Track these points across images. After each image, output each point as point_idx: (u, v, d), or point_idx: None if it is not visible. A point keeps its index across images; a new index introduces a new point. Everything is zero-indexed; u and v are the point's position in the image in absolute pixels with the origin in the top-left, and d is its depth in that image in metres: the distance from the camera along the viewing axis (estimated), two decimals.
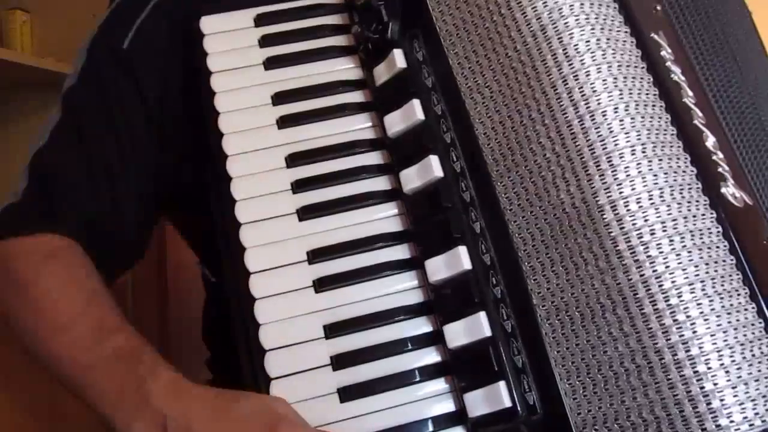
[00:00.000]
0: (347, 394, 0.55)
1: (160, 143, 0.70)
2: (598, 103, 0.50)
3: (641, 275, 0.47)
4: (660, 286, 0.47)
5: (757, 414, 0.44)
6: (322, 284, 0.58)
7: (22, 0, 1.71)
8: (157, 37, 0.69)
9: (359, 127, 0.63)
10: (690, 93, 0.53)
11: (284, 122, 0.63)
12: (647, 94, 0.52)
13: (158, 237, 1.32)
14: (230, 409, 0.53)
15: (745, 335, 0.46)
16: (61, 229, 0.65)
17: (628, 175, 0.49)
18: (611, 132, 0.50)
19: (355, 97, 0.64)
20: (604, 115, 0.50)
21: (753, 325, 0.47)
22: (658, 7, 0.57)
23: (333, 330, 0.57)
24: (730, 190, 0.51)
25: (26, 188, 0.66)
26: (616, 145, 0.49)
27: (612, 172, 0.49)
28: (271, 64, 0.65)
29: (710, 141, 0.52)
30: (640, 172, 0.49)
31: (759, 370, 0.45)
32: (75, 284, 0.62)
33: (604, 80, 0.51)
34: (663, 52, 0.54)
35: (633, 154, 0.49)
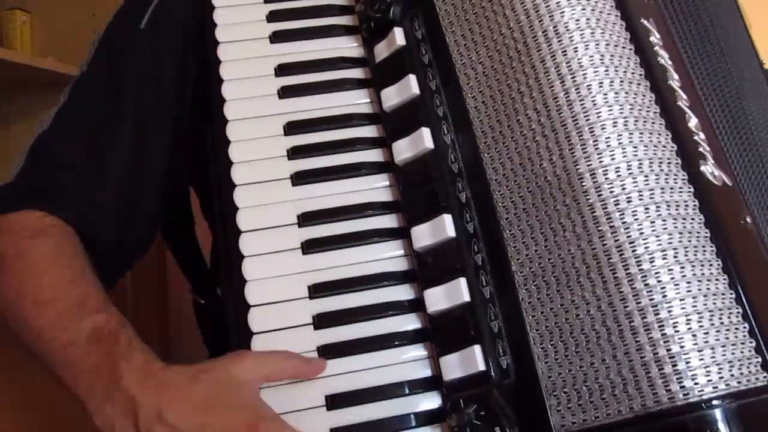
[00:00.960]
0: (326, 352, 0.57)
1: (174, 127, 0.68)
2: (584, 77, 0.52)
3: (615, 240, 0.48)
4: (633, 251, 0.48)
5: (721, 378, 0.45)
6: (309, 246, 0.60)
7: (22, 0, 1.71)
8: (176, 13, 0.70)
9: (357, 101, 0.65)
10: (675, 76, 0.55)
11: (285, 93, 0.65)
12: (633, 73, 0.53)
13: (158, 238, 1.32)
14: (208, 400, 0.52)
15: (714, 303, 0.47)
16: (52, 209, 0.63)
17: (608, 146, 0.50)
18: (594, 105, 0.51)
19: (355, 73, 0.66)
20: (588, 89, 0.52)
21: (724, 295, 0.48)
22: None
23: (317, 290, 0.58)
24: (709, 169, 0.52)
25: (21, 169, 0.65)
26: (598, 117, 0.51)
27: (593, 142, 0.50)
28: (276, 38, 0.67)
29: (693, 122, 0.53)
30: (620, 143, 0.50)
31: (727, 338, 0.46)
32: (61, 260, 0.61)
33: (590, 56, 0.53)
34: (652, 38, 0.56)
35: (614, 126, 0.51)
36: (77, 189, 0.65)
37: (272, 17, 0.68)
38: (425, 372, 0.56)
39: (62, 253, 0.62)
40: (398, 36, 0.63)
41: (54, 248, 0.62)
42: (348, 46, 0.68)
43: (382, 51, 0.64)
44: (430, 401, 0.56)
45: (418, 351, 0.57)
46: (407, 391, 0.56)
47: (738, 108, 0.59)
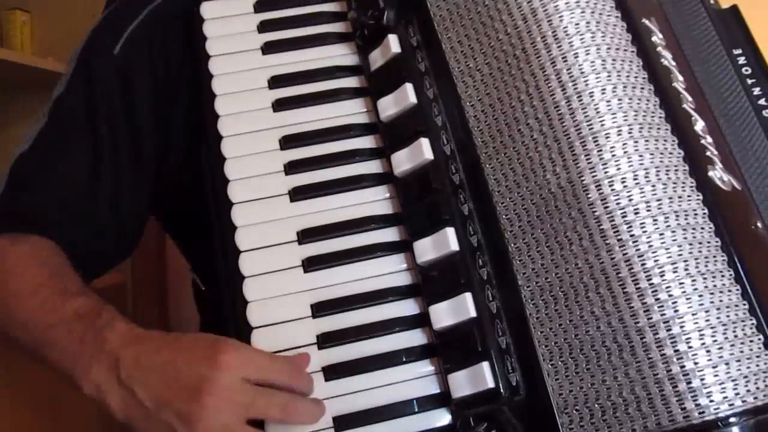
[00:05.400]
0: (331, 372, 0.56)
1: (157, 147, 0.69)
2: (586, 84, 0.50)
3: (624, 254, 0.47)
4: (642, 265, 0.46)
5: (737, 394, 0.44)
6: (310, 264, 0.58)
7: (22, 0, 1.71)
8: (151, 42, 0.69)
9: (353, 111, 0.64)
10: (680, 78, 0.53)
11: (279, 105, 0.63)
12: (636, 77, 0.52)
13: (158, 237, 1.33)
14: (174, 341, 0.55)
15: (728, 316, 0.46)
16: (31, 232, 0.65)
17: (613, 155, 0.49)
18: (598, 113, 0.50)
19: (350, 82, 0.65)
20: (591, 96, 0.50)
21: (737, 306, 0.46)
22: None
23: (320, 309, 0.57)
24: (717, 174, 0.50)
25: (2, 195, 0.67)
26: (602, 125, 0.49)
27: (597, 152, 0.49)
28: (268, 49, 0.65)
29: (699, 125, 0.52)
30: (625, 152, 0.49)
31: (741, 351, 0.45)
32: (41, 259, 0.64)
33: (592, 62, 0.51)
34: (654, 38, 0.54)
35: (619, 135, 0.49)
36: (56, 214, 0.67)
37: (263, 27, 0.66)
38: (433, 389, 0.55)
39: (41, 253, 0.65)
40: (393, 43, 0.61)
41: (32, 250, 0.65)
42: (342, 54, 0.66)
43: (377, 59, 0.63)
44: (440, 419, 0.55)
45: (425, 367, 0.56)
46: (416, 409, 0.55)
47: (739, 108, 0.57)
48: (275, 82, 0.64)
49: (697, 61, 0.58)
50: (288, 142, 0.62)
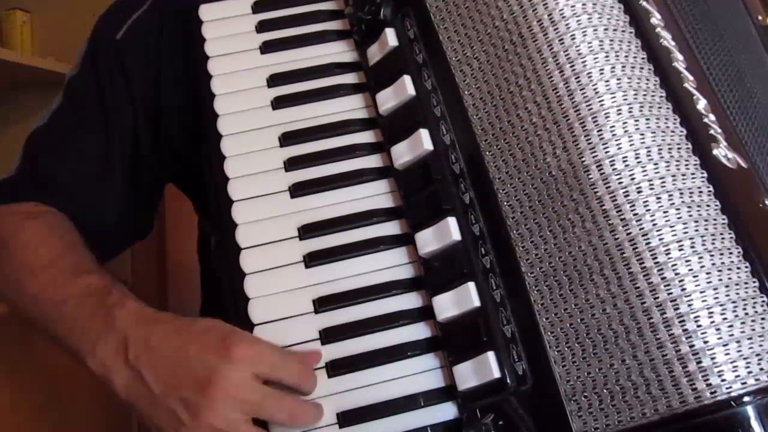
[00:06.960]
0: (334, 368, 0.55)
1: (154, 133, 0.72)
2: (584, 66, 0.50)
3: (627, 234, 0.46)
4: (647, 244, 0.45)
5: (750, 373, 0.42)
6: (312, 259, 0.58)
7: (22, 0, 1.72)
8: (150, 32, 0.72)
9: (353, 107, 0.63)
10: (680, 57, 0.52)
11: (278, 103, 0.63)
12: (635, 57, 0.51)
13: (158, 237, 1.33)
14: (186, 327, 0.54)
15: (737, 293, 0.44)
16: (46, 201, 0.68)
17: (613, 135, 0.48)
18: (596, 93, 0.49)
19: (349, 78, 0.64)
20: (589, 77, 0.49)
21: (746, 284, 0.45)
22: None
23: (322, 304, 0.56)
24: (722, 152, 0.49)
25: (19, 166, 0.71)
26: (601, 105, 0.49)
27: (597, 132, 0.48)
28: (267, 48, 0.65)
29: (701, 104, 0.51)
30: (626, 131, 0.48)
31: (753, 329, 0.43)
32: (55, 235, 0.66)
33: (589, 43, 0.50)
34: (653, 19, 0.54)
35: (619, 114, 0.48)
36: (70, 184, 0.70)
37: (261, 27, 0.66)
38: (439, 382, 0.54)
39: (55, 230, 0.67)
40: (390, 37, 0.61)
41: (47, 226, 0.67)
42: (340, 51, 0.66)
43: (375, 53, 0.63)
44: (446, 412, 0.53)
45: (430, 361, 0.55)
46: (422, 404, 0.54)
47: (742, 85, 0.56)
48: (274, 80, 0.64)
49: (718, 52, 0.57)
50: (287, 138, 0.62)
